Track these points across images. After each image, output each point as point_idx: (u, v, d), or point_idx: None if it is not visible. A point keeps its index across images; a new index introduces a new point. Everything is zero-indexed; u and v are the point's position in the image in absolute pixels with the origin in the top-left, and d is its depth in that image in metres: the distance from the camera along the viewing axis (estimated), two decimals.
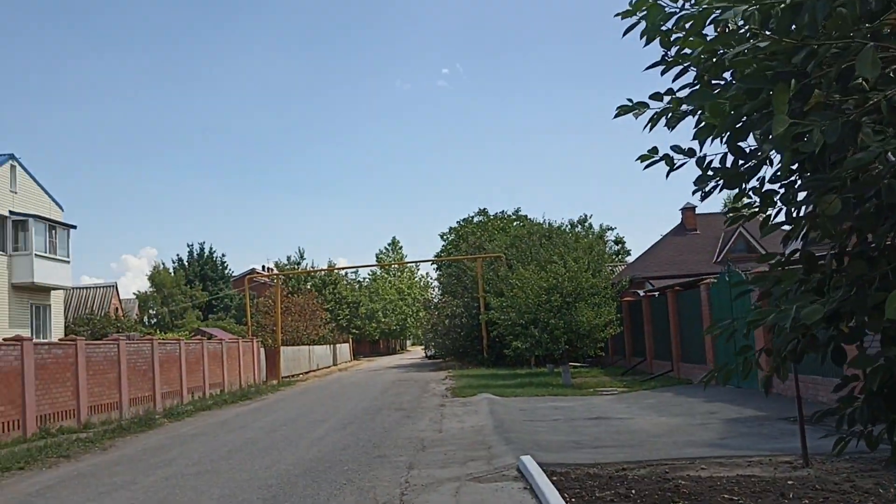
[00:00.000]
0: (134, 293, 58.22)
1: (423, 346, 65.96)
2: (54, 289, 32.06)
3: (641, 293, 27.95)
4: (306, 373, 44.62)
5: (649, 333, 26.26)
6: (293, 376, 40.93)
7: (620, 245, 48.78)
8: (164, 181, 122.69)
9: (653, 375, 23.96)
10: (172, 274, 58.23)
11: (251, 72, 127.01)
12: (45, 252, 30.68)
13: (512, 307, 24.42)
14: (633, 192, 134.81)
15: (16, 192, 30.26)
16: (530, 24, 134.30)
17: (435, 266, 59.27)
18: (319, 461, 10.93)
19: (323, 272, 66.08)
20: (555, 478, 8.59)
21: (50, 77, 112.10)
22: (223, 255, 65.99)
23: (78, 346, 18.39)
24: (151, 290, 56.71)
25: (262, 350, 38.02)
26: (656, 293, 26.30)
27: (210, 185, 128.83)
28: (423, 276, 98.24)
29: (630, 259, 46.99)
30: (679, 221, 34.25)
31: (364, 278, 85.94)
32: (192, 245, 65.06)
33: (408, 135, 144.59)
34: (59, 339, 19.93)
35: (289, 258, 67.36)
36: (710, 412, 14.31)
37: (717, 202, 66.79)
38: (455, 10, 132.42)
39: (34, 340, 16.80)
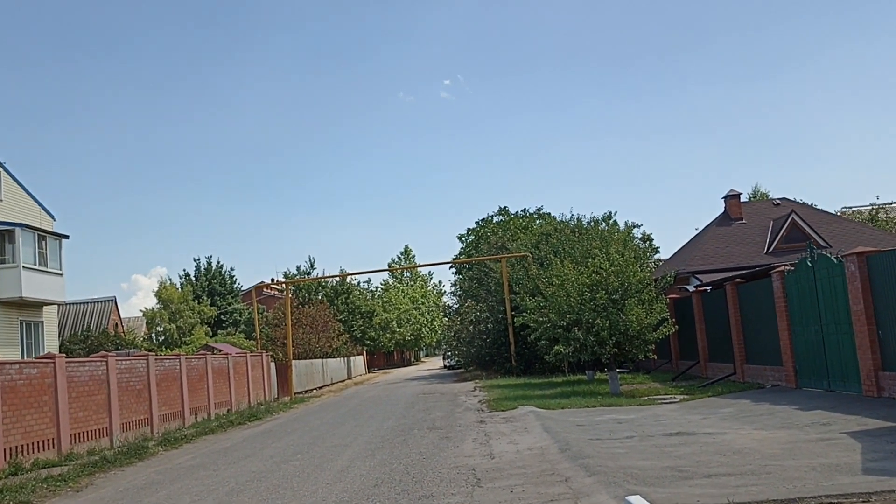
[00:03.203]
0: (141, 310, 55.85)
1: (442, 357, 63.13)
2: (46, 304, 29.52)
3: (690, 289, 25.25)
4: (320, 387, 42.07)
5: (702, 333, 23.51)
6: (306, 392, 38.40)
7: (648, 242, 45.84)
8: (172, 199, 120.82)
9: (711, 380, 21.25)
10: (179, 289, 55.86)
11: (256, 89, 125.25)
12: (35, 264, 28.16)
13: (550, 308, 21.64)
14: (657, 187, 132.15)
15: (1, 200, 27.83)
16: (529, 32, 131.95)
17: (454, 270, 56.48)
18: None
19: (334, 279, 63.22)
20: None
21: (61, 106, 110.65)
22: (231, 269, 63.60)
23: (57, 365, 15.77)
24: (158, 306, 54.32)
25: (272, 365, 35.38)
26: (708, 288, 23.60)
27: (218, 203, 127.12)
28: (436, 284, 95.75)
29: (660, 257, 44.23)
30: (722, 211, 31.44)
31: (377, 287, 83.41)
32: (198, 260, 62.72)
33: (415, 145, 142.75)
34: (36, 358, 17.34)
35: (298, 268, 64.57)
36: (818, 423, 11.69)
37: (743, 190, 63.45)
38: (453, 22, 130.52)
39: (1, 359, 14.21)
